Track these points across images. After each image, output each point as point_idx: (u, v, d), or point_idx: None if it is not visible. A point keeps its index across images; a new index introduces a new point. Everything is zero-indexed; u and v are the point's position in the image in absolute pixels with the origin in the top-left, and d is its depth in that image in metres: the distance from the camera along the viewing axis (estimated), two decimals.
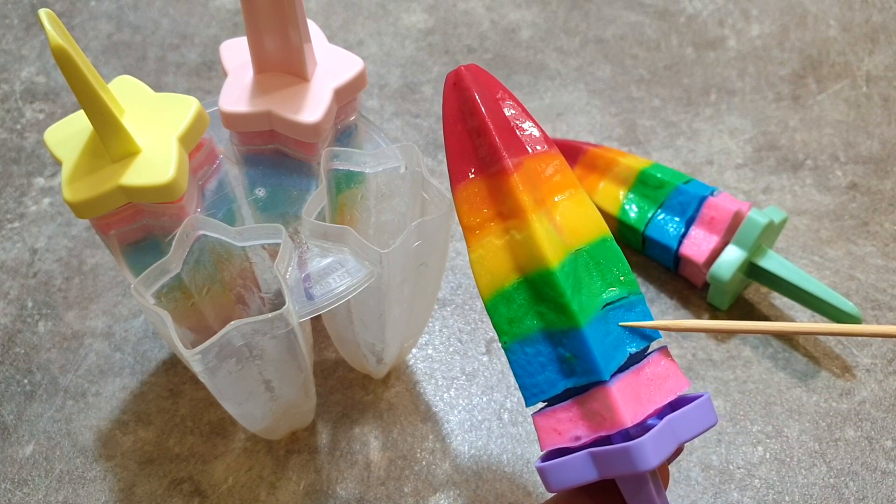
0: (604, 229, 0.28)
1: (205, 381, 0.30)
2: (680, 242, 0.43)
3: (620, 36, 0.60)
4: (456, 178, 0.28)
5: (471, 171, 0.28)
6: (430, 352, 0.43)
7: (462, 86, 0.28)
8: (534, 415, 0.27)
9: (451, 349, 0.43)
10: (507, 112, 0.28)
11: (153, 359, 0.43)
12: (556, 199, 0.28)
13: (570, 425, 0.26)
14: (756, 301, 0.45)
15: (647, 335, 0.27)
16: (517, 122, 0.28)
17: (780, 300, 0.45)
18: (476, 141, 0.28)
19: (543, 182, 0.28)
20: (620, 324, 0.27)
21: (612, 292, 0.27)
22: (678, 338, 0.43)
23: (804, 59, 0.58)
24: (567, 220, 0.27)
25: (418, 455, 0.39)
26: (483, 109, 0.27)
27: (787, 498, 0.38)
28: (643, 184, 0.45)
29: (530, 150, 0.28)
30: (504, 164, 0.27)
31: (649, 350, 0.27)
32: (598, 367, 0.25)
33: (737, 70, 0.57)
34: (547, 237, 0.26)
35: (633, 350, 0.27)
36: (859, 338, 0.43)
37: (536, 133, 0.28)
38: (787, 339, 0.43)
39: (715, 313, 0.44)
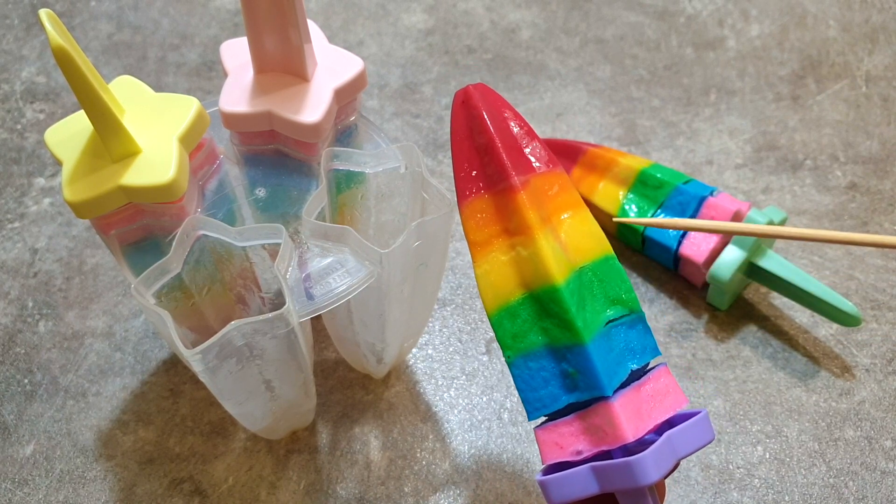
0: (607, 248, 0.28)
1: (205, 381, 0.30)
2: (679, 242, 0.44)
3: (620, 36, 0.60)
4: (463, 194, 0.29)
5: (478, 188, 0.28)
6: (430, 352, 0.43)
7: (470, 104, 0.28)
8: (536, 429, 0.27)
9: (451, 349, 0.43)
10: (515, 130, 0.28)
11: (153, 359, 0.43)
12: (561, 218, 0.28)
13: (571, 440, 0.26)
14: (756, 301, 0.45)
15: (647, 352, 0.27)
16: (524, 141, 0.28)
17: (779, 300, 0.45)
18: (484, 158, 0.28)
19: (549, 200, 0.28)
20: (614, 219, 0.28)
21: (615, 309, 0.28)
22: (678, 338, 0.43)
23: (804, 59, 0.58)
24: (571, 237, 0.28)
25: (418, 455, 0.39)
26: (491, 128, 0.28)
27: (786, 498, 0.38)
28: (643, 184, 0.45)
29: (537, 169, 0.28)
30: (512, 182, 0.27)
31: (649, 366, 0.28)
32: (601, 382, 0.26)
33: (736, 70, 0.57)
34: (553, 254, 0.26)
35: (635, 366, 0.27)
36: (859, 336, 0.43)
37: (542, 152, 0.29)
38: (786, 338, 0.43)
39: (714, 313, 0.44)
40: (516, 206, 0.27)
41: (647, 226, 0.28)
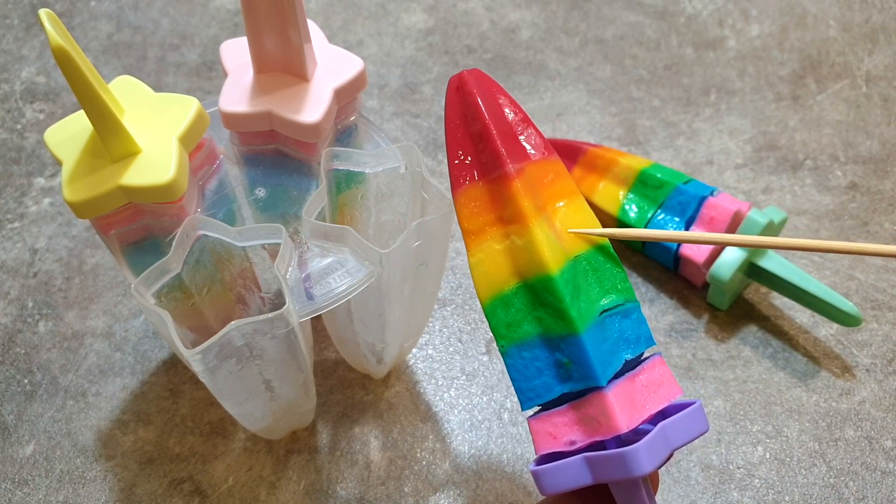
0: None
1: (205, 381, 0.30)
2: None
3: (620, 36, 0.60)
4: (457, 182, 0.28)
5: (472, 176, 0.28)
6: (430, 352, 0.43)
7: (465, 90, 0.28)
8: (529, 418, 0.27)
9: (451, 349, 0.43)
10: (510, 117, 0.28)
11: (153, 359, 0.43)
12: (556, 206, 0.28)
13: (565, 430, 0.26)
14: (756, 301, 0.45)
15: (642, 342, 0.27)
16: (519, 128, 0.28)
17: (780, 300, 0.45)
18: (478, 145, 0.28)
19: (544, 188, 0.28)
20: (569, 230, 0.27)
21: (610, 299, 0.27)
22: (678, 338, 0.43)
23: (804, 59, 0.58)
24: (566, 226, 0.28)
25: (418, 455, 0.39)
26: (486, 114, 0.27)
27: (786, 498, 0.38)
28: (643, 184, 0.45)
29: (532, 156, 0.28)
30: (506, 170, 0.27)
31: (644, 356, 0.28)
32: (595, 373, 0.25)
33: (736, 70, 0.57)
34: (547, 243, 0.26)
35: (629, 356, 0.27)
36: (860, 336, 0.43)
37: (538, 139, 0.28)
38: (787, 338, 0.43)
39: (715, 313, 0.44)
40: (511, 194, 0.27)
41: (609, 237, 0.28)
